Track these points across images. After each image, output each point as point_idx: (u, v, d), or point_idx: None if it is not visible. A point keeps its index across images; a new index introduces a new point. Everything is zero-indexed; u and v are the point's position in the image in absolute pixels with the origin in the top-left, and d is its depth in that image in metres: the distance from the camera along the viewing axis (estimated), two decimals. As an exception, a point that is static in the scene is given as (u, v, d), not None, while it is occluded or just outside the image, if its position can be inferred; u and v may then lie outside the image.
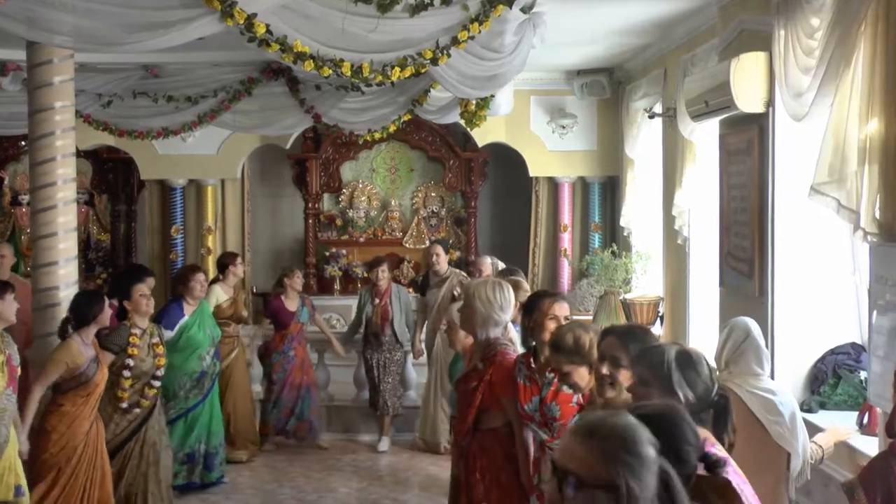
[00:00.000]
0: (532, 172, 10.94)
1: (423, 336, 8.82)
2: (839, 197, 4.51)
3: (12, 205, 12.13)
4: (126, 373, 6.10)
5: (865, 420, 5.02)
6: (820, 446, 4.52)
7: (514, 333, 5.18)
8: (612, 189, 10.90)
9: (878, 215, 4.34)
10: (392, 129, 9.17)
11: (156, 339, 6.35)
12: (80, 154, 8.70)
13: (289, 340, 8.63)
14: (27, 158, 6.25)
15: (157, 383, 6.33)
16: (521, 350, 5.16)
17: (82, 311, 5.63)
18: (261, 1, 4.85)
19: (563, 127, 10.65)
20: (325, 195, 12.30)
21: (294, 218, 12.40)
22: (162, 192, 11.26)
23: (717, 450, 2.79)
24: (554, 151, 10.76)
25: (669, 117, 7.92)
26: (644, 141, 9.26)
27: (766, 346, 4.70)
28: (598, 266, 9.81)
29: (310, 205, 12.04)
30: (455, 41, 5.49)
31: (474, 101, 7.51)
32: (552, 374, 4.19)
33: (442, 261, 8.71)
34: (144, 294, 6.27)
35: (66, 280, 5.99)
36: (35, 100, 5.98)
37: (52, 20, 4.81)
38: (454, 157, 11.95)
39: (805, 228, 5.70)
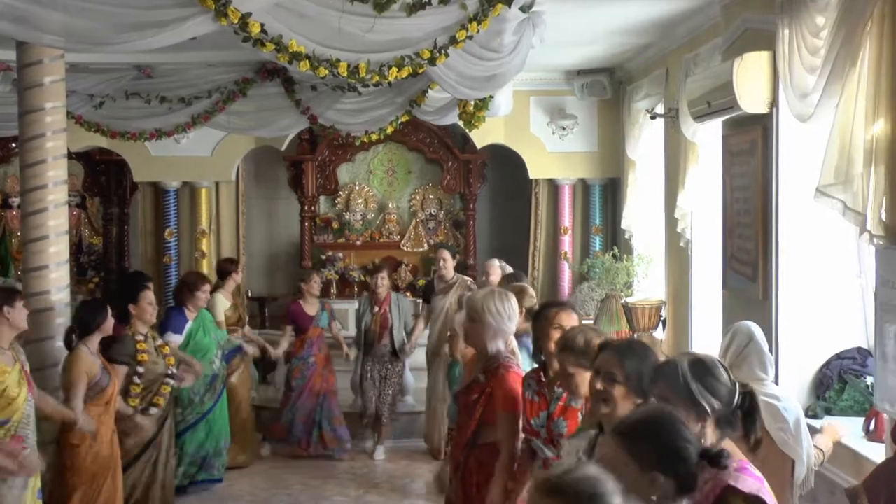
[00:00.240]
0: (532, 174, 10.93)
1: (420, 340, 8.81)
2: (845, 199, 4.50)
3: (2, 207, 12.09)
4: (137, 379, 6.31)
5: (872, 426, 5.02)
6: (820, 449, 4.50)
7: (515, 344, 5.16)
8: (613, 191, 10.89)
9: (884, 217, 4.33)
10: (389, 130, 9.17)
11: (160, 342, 6.66)
12: (71, 156, 8.67)
13: (308, 346, 8.72)
14: (17, 160, 6.22)
15: (172, 381, 6.58)
16: (526, 362, 5.15)
17: (86, 321, 5.78)
18: (255, 0, 4.84)
19: (564, 128, 10.63)
20: (322, 197, 12.28)
21: (290, 221, 12.39)
22: (155, 195, 11.23)
23: (753, 470, 2.79)
24: (554, 153, 10.75)
25: (671, 118, 7.91)
26: (646, 142, 9.25)
27: (771, 351, 4.69)
28: (599, 269, 9.80)
29: (306, 207, 12.02)
30: (453, 41, 5.48)
31: (473, 102, 7.50)
32: (560, 389, 4.16)
33: (448, 266, 8.67)
34: (151, 302, 6.51)
35: (57, 284, 5.96)
36: (25, 101, 5.96)
37: (43, 19, 4.79)
38: (453, 159, 11.93)
39: (810, 231, 5.70)
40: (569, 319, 4.51)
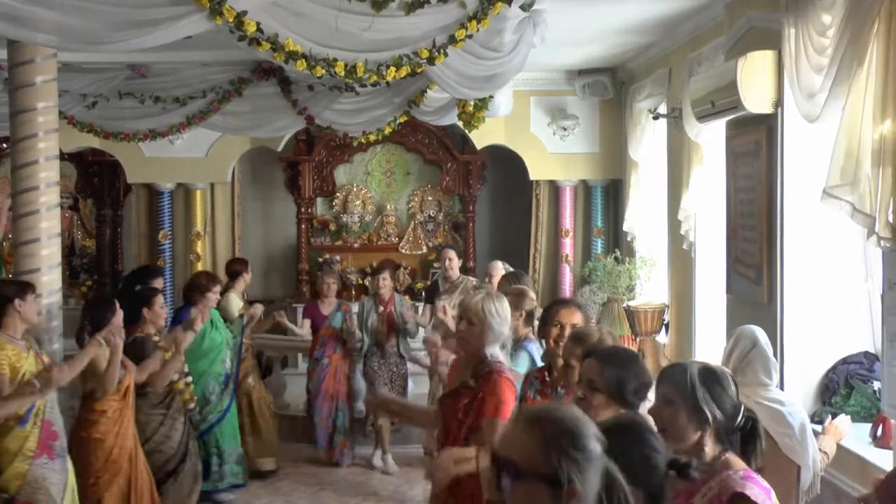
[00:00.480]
0: (532, 176, 10.93)
1: (415, 344, 8.79)
2: (853, 201, 4.49)
3: (-6, 209, 12.09)
4: (176, 376, 6.61)
5: (879, 432, 5.01)
6: (825, 452, 4.49)
7: (508, 348, 5.13)
8: (615, 193, 10.89)
9: (892, 219, 4.32)
10: (387, 130, 9.15)
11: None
12: (63, 157, 8.66)
13: (320, 346, 8.78)
14: (8, 161, 6.20)
15: (189, 378, 6.88)
16: (525, 366, 5.13)
17: (97, 319, 5.98)
18: (251, -2, 4.83)
19: (565, 128, 10.63)
20: (319, 199, 12.27)
21: (286, 223, 12.38)
22: (149, 197, 11.23)
23: (760, 480, 2.78)
24: (555, 154, 10.75)
25: (674, 118, 7.91)
26: (648, 143, 9.25)
27: (776, 355, 4.69)
28: (600, 272, 9.80)
29: (302, 209, 12.00)
30: (452, 40, 5.47)
31: (472, 102, 7.49)
32: (563, 390, 4.15)
33: (454, 266, 8.72)
34: (163, 305, 6.78)
35: (49, 288, 5.94)
36: (16, 100, 5.94)
37: (35, 17, 4.77)
38: (452, 160, 11.92)
39: (815, 233, 5.69)
40: (569, 316, 4.49)
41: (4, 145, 10.96)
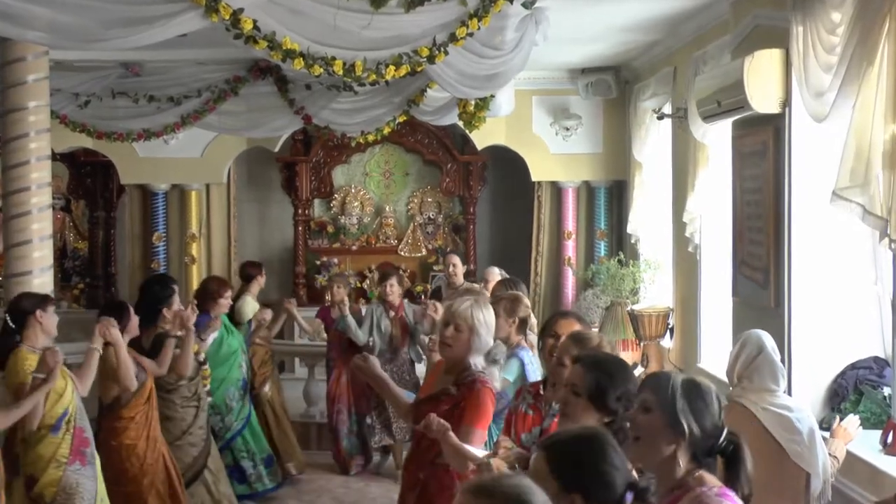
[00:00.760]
0: (534, 177, 10.92)
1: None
2: (864, 202, 4.47)
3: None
4: (181, 382, 6.67)
5: (890, 439, 4.99)
6: (835, 457, 4.47)
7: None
8: (618, 194, 10.88)
9: (902, 222, 4.31)
10: (386, 130, 9.13)
11: None
12: (55, 157, 8.68)
13: (329, 349, 8.83)
14: (-1, 162, 6.22)
15: (206, 366, 7.13)
16: (515, 372, 5.12)
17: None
18: (247, -5, 4.83)
19: (567, 128, 10.63)
20: (316, 201, 12.26)
21: (283, 224, 12.37)
22: (143, 198, 11.22)
23: (736, 499, 2.71)
24: (557, 154, 10.74)
25: (679, 118, 7.91)
26: (653, 143, 9.24)
27: (783, 360, 4.67)
28: (604, 275, 9.79)
29: (299, 211, 11.99)
30: (453, 38, 5.46)
31: (473, 102, 7.48)
32: (558, 406, 4.13)
33: (459, 272, 8.72)
34: (181, 305, 6.80)
35: (40, 290, 5.94)
36: (7, 99, 5.95)
37: (27, 14, 4.77)
38: (452, 161, 11.92)
39: (824, 235, 5.67)
40: (567, 327, 4.47)
41: (-5, 145, 10.96)
